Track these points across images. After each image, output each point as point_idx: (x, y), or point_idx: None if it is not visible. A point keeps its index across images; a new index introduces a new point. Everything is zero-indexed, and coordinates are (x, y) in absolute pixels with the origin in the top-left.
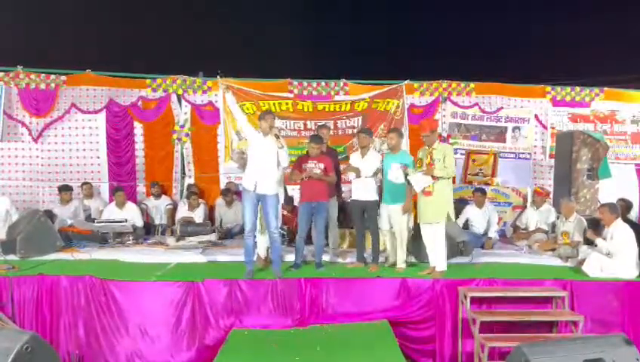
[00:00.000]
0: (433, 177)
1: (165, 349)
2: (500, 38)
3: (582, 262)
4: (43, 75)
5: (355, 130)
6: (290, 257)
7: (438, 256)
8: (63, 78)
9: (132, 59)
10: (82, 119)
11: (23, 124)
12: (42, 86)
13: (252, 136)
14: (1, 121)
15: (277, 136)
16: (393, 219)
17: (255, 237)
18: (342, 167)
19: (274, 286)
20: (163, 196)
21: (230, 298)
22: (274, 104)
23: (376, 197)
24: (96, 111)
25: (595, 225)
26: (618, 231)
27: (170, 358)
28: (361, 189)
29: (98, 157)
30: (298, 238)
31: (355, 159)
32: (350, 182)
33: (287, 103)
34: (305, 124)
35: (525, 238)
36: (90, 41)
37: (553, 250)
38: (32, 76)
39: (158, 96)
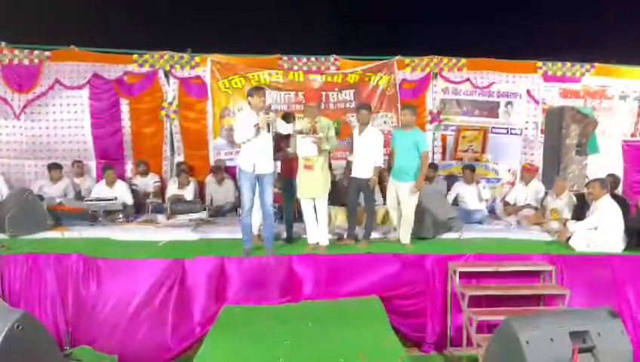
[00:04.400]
0: (319, 150)
1: (157, 326)
2: (491, 13)
3: (569, 237)
4: (26, 50)
5: (347, 105)
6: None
7: (322, 231)
8: (47, 53)
9: (118, 34)
10: (67, 96)
11: (5, 100)
12: (25, 62)
13: (245, 118)
14: None
15: (267, 112)
16: (401, 195)
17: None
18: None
19: (266, 263)
20: (150, 174)
21: (222, 275)
22: (263, 75)
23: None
24: (79, 87)
25: (583, 201)
26: (605, 206)
27: (161, 335)
28: (358, 167)
29: (84, 135)
30: (287, 214)
31: (354, 136)
32: (344, 159)
33: (277, 73)
34: (296, 95)
35: (514, 213)
36: (75, 16)
37: (539, 224)
38: (16, 52)
39: (145, 72)
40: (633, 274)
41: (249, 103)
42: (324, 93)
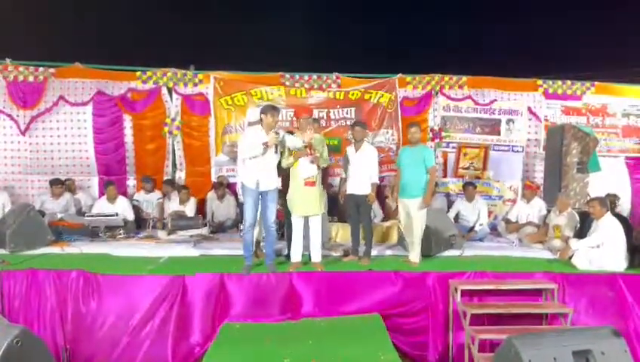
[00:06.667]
0: (318, 167)
1: (157, 342)
2: (490, 35)
3: (572, 255)
4: (32, 67)
5: (349, 122)
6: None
7: (316, 248)
8: (52, 70)
9: (122, 52)
10: (71, 112)
11: (10, 116)
12: (30, 78)
13: (254, 135)
14: None
15: (276, 132)
16: (412, 211)
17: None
18: (333, 159)
19: (266, 280)
20: (155, 190)
21: (222, 291)
22: (265, 91)
23: (369, 191)
24: (84, 103)
25: (585, 218)
26: (607, 224)
27: (161, 351)
28: (355, 184)
29: (87, 151)
30: (289, 231)
31: (349, 153)
32: (339, 175)
33: (279, 89)
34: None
35: (516, 230)
36: (79, 33)
37: (542, 242)
38: (21, 68)
39: (148, 88)
40: (636, 293)
41: (261, 120)
42: (325, 111)
